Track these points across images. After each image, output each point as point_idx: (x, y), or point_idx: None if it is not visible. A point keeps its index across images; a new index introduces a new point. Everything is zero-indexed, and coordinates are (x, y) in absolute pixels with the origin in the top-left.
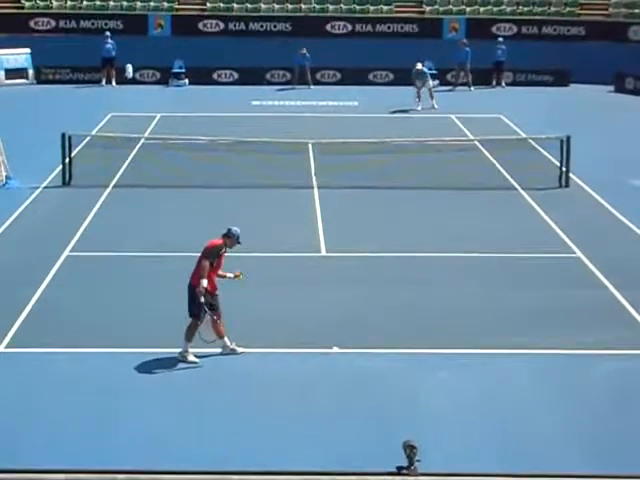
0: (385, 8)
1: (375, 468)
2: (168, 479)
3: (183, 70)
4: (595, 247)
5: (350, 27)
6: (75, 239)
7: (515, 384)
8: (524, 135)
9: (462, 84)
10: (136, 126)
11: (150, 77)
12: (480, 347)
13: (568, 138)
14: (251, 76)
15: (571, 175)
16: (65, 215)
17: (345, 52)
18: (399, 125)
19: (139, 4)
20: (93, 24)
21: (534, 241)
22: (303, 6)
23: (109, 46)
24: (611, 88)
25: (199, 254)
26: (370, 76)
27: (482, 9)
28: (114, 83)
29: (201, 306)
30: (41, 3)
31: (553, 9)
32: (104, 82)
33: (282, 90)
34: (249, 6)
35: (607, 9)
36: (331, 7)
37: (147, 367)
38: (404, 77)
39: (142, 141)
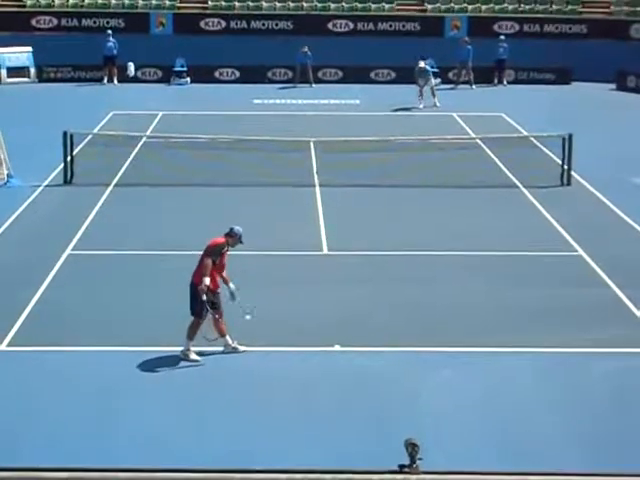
0: (387, 6)
1: (376, 467)
2: (169, 477)
3: (185, 68)
4: (597, 245)
5: (352, 25)
6: (76, 238)
7: (518, 383)
8: (526, 133)
9: (464, 82)
10: (138, 124)
11: (152, 75)
12: (483, 345)
13: (570, 136)
14: (253, 74)
15: (573, 173)
16: (66, 214)
17: (347, 50)
18: (401, 123)
19: (141, 2)
20: (95, 22)
21: (536, 239)
22: (305, 4)
23: (111, 44)
24: (613, 86)
25: (201, 252)
26: (372, 74)
27: (484, 7)
28: (116, 81)
29: (203, 304)
30: (43, 1)
31: (555, 7)
32: (106, 80)
33: (284, 88)
34: (251, 4)
35: (609, 7)
36: (333, 5)
37: (148, 366)
38: (406, 75)
39: (144, 139)
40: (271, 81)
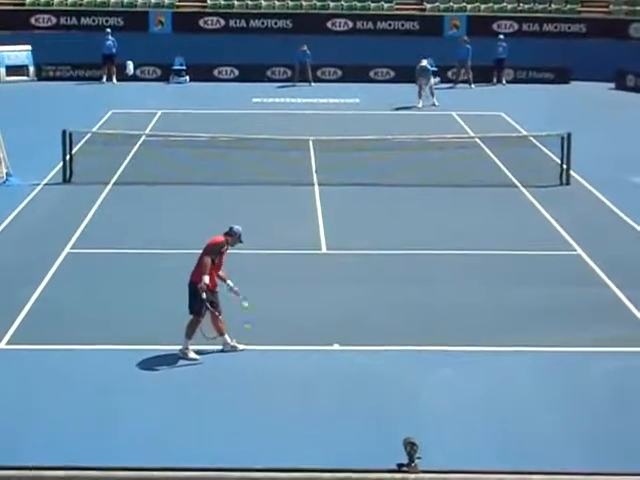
0: (386, 5)
1: (375, 466)
2: (169, 476)
3: (184, 67)
4: (596, 245)
5: (351, 24)
6: (76, 236)
7: (518, 382)
8: (525, 132)
9: (463, 81)
10: (137, 123)
11: (151, 74)
12: (483, 345)
13: (569, 135)
14: (252, 73)
15: (572, 173)
16: (66, 212)
17: (346, 49)
18: (400, 122)
19: (140, 1)
20: (94, 21)
21: (535, 239)
22: (304, 3)
23: (110, 43)
24: (612, 85)
25: (200, 251)
26: (371, 73)
27: (483, 6)
28: (115, 80)
29: (202, 303)
30: (42, 0)
31: (554, 6)
32: (105, 79)
33: (283, 87)
34: (250, 3)
35: (608, 6)
36: (332, 4)
37: (147, 364)
38: (405, 74)
39: (143, 138)
40: (270, 80)
